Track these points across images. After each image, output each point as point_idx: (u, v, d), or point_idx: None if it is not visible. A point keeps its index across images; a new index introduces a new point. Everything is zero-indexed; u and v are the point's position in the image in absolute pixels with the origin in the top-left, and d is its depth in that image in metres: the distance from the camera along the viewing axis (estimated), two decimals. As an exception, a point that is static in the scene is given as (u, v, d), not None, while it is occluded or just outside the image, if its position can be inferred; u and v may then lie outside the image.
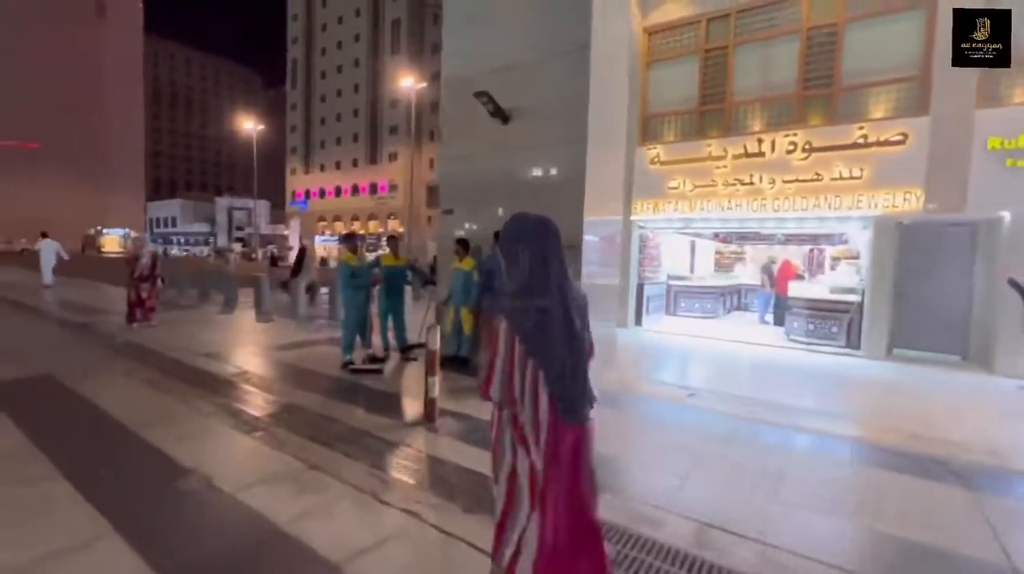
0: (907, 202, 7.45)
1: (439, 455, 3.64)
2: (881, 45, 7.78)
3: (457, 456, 3.61)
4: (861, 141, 7.71)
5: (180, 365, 5.91)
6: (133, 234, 64.04)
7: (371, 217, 59.28)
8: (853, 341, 8.26)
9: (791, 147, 8.24)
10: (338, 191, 61.73)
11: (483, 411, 4.40)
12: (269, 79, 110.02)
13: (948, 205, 7.22)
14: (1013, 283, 6.21)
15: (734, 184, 8.76)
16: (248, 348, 7.07)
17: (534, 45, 5.95)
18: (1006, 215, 6.99)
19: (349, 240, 6.17)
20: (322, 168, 63.46)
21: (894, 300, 7.88)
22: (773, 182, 8.40)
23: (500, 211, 6.26)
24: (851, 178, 7.81)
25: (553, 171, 5.91)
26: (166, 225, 73.99)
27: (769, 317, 11.71)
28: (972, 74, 7.11)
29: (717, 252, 16.19)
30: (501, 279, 1.97)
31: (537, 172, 6.03)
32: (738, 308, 14.18)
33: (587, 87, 5.60)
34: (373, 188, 58.90)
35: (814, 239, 12.23)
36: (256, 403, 4.66)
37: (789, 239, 11.95)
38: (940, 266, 7.90)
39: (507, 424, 1.91)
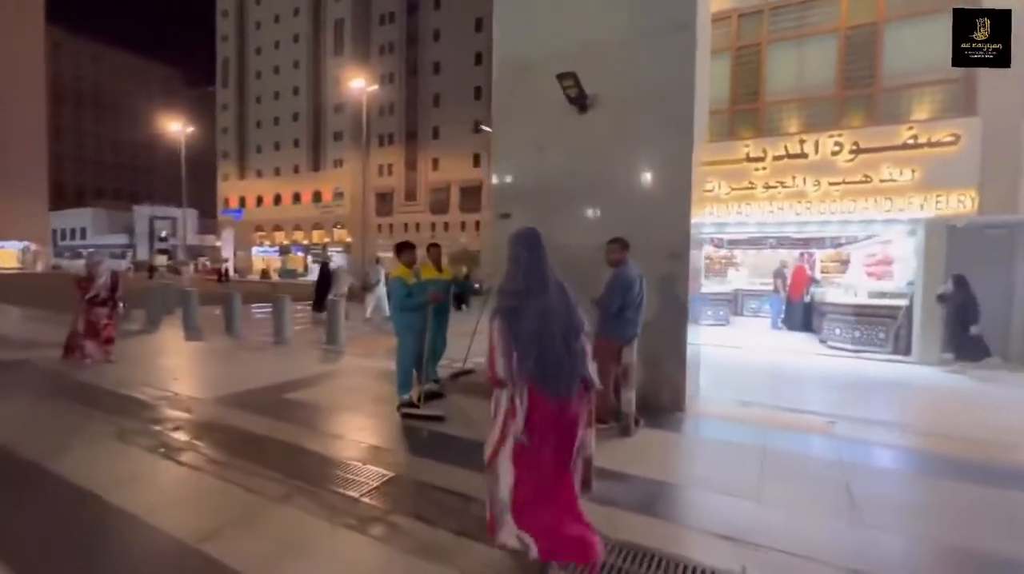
0: (961, 204, 7.31)
1: (656, 546, 2.62)
2: (923, 45, 7.66)
3: (675, 544, 2.64)
4: (911, 142, 7.53)
5: (194, 423, 4.47)
6: (34, 247, 56.50)
7: (316, 227, 55.93)
8: (901, 347, 8.05)
9: (836, 148, 7.95)
10: (277, 199, 57.75)
11: (640, 466, 3.46)
12: (191, 78, 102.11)
13: (1003, 207, 7.14)
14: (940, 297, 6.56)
15: (775, 186, 8.36)
16: (275, 389, 5.59)
17: (618, 23, 5.12)
18: (1057, 216, 6.99)
19: (406, 251, 4.98)
20: (259, 174, 59.17)
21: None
22: (818, 184, 8.06)
23: (590, 212, 5.36)
24: (897, 180, 7.60)
25: (647, 168, 5.09)
26: (74, 237, 66.00)
27: (781, 323, 11.52)
28: (1014, 79, 7.08)
29: (707, 257, 16.09)
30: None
31: (627, 168, 5.18)
32: (734, 313, 14.03)
33: (691, 71, 4.84)
34: (317, 196, 55.65)
35: (818, 242, 12.23)
36: (348, 478, 3.41)
37: (805, 242, 11.82)
38: (985, 269, 7.86)
39: (506, 401, 2.18)
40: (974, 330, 6.97)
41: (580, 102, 5.15)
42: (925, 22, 7.66)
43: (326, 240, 55.89)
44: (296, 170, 57.05)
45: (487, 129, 8.96)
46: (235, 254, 56.01)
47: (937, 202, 7.43)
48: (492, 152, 5.99)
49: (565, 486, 2.21)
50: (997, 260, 7.86)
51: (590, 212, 5.37)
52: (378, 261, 14.84)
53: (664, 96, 4.93)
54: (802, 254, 14.05)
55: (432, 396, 5.06)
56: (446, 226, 49.20)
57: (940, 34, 7.57)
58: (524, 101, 5.70)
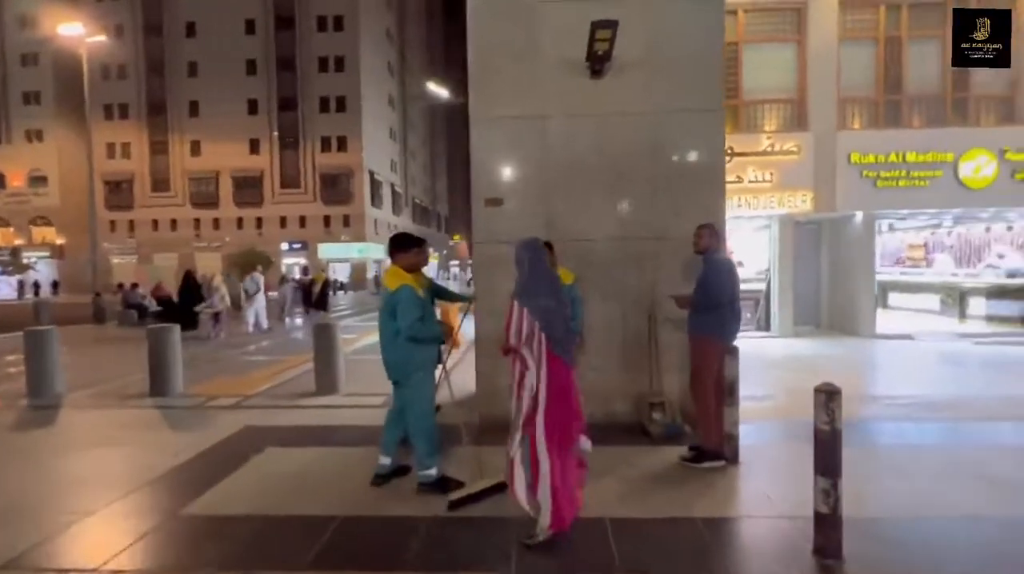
0: (804, 203, 8.88)
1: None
2: (770, 68, 9.05)
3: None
4: (769, 149, 8.81)
5: None
6: None
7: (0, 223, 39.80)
8: (762, 324, 9.45)
9: (717, 150, 8.80)
10: (-84, 182, 39.04)
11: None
12: None
13: (826, 206, 8.93)
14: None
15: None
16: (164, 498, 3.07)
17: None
18: (858, 214, 9.09)
19: (411, 249, 3.24)
20: None
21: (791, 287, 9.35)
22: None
23: (606, 198, 4.45)
24: (763, 182, 8.84)
25: (673, 147, 4.49)
26: None
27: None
28: (832, 102, 8.96)
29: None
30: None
31: (649, 147, 4.48)
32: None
33: (720, 40, 4.44)
34: (-2, 180, 39.59)
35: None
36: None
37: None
38: (804, 256, 9.77)
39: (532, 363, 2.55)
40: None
41: (601, 63, 4.24)
42: (772, 49, 9.04)
43: (17, 242, 40.39)
44: (-47, 141, 39.60)
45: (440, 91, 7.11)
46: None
47: (788, 201, 8.87)
48: (470, 117, 4.57)
49: (575, 454, 2.62)
50: (815, 248, 9.91)
51: (606, 198, 4.51)
52: (255, 268, 13.62)
53: (691, 66, 4.40)
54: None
55: (397, 473, 3.39)
56: (216, 223, 40.65)
57: (782, 59, 9.06)
58: (515, 52, 4.47)
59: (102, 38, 25.96)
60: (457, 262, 74.47)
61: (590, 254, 4.51)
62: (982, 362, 7.25)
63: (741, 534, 2.71)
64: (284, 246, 40.03)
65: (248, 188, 40.27)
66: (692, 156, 4.49)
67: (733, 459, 3.49)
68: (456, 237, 76.36)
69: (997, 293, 9.60)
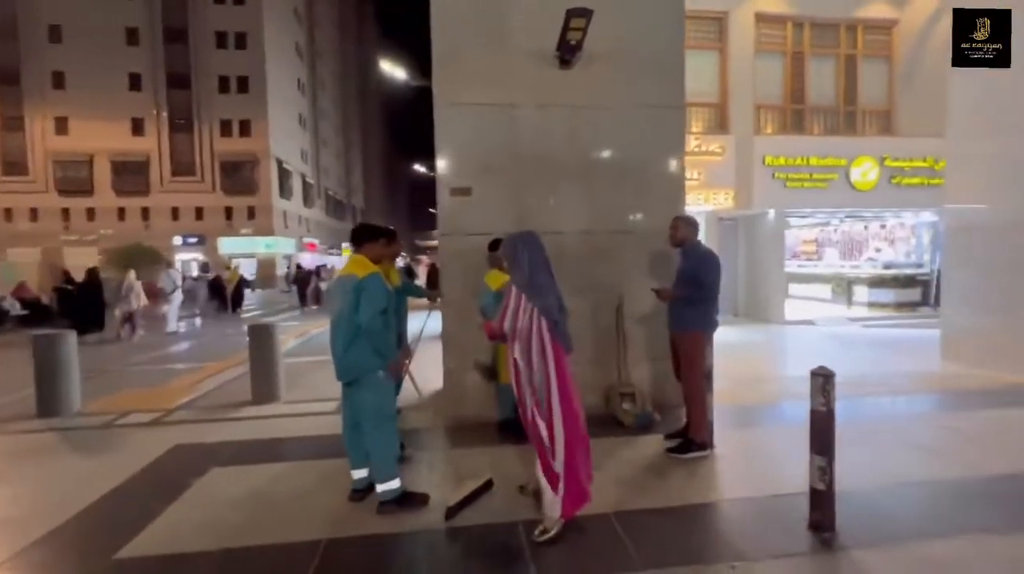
0: (727, 200, 9.57)
1: None
2: (697, 73, 9.60)
3: None
4: (697, 149, 9.36)
5: None
6: None
7: None
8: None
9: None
10: None
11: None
12: None
13: (745, 204, 9.70)
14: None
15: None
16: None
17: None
18: (771, 212, 9.97)
19: (376, 236, 3.07)
20: None
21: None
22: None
23: (574, 190, 4.39)
24: (692, 179, 9.38)
25: (639, 143, 4.55)
26: None
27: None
28: (749, 108, 9.73)
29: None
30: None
31: (617, 142, 4.51)
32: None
33: (682, 39, 4.57)
34: None
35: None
36: None
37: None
38: (724, 250, 10.55)
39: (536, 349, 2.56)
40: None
41: (573, 52, 4.17)
42: (698, 55, 9.58)
43: None
44: None
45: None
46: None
47: (713, 198, 9.51)
48: (435, 101, 4.29)
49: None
50: (733, 243, 10.73)
51: (574, 191, 4.48)
52: (170, 265, 12.90)
53: (655, 63, 4.50)
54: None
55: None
56: (90, 213, 35.47)
57: (707, 66, 9.65)
58: (484, 37, 4.27)
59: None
60: (374, 257, 71.80)
61: (560, 247, 4.42)
62: (871, 342, 8.29)
63: (739, 516, 2.80)
64: (177, 240, 35.90)
65: (131, 174, 35.48)
66: (656, 151, 4.59)
67: (709, 444, 3.63)
68: (372, 231, 73.45)
69: (876, 282, 11.07)
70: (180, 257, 35.39)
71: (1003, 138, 5.67)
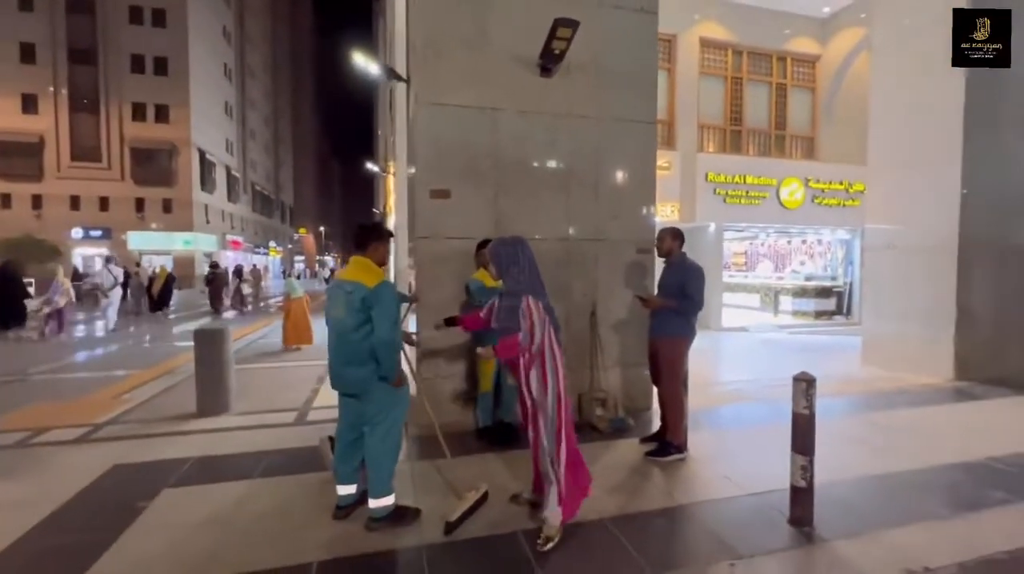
0: (672, 213, 10.07)
1: None
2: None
3: None
4: (647, 163, 9.77)
5: None
6: None
7: None
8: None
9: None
10: None
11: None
12: None
13: (689, 217, 10.26)
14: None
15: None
16: None
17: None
18: (712, 225, 10.62)
19: (385, 237, 2.90)
20: None
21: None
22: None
23: (553, 197, 4.40)
24: (641, 191, 9.79)
25: (613, 154, 4.68)
26: None
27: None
28: (693, 126, 10.33)
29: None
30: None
31: (593, 151, 4.60)
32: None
33: (655, 56, 4.76)
34: None
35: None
36: None
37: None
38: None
39: (550, 369, 2.58)
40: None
41: (555, 62, 4.21)
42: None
43: None
44: None
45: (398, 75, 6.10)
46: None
47: (661, 211, 9.96)
48: (412, 100, 4.15)
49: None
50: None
51: (553, 198, 4.51)
52: (110, 260, 11.99)
53: (630, 78, 4.66)
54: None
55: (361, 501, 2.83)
56: (-34, 199, 30.89)
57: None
58: (466, 39, 4.20)
59: None
60: (303, 257, 68.26)
61: (538, 254, 4.45)
62: (799, 347, 9.05)
63: (724, 515, 2.92)
64: (77, 233, 32.13)
65: (19, 157, 31.31)
66: (630, 163, 4.75)
67: (685, 447, 3.78)
68: (302, 230, 69.91)
69: (800, 292, 12.12)
70: (80, 251, 31.74)
71: (917, 167, 6.42)
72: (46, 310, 10.00)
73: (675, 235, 3.77)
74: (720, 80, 10.68)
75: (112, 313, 11.23)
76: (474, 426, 4.13)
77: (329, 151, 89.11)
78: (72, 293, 10.71)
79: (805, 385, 2.71)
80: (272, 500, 3.04)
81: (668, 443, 3.63)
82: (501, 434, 3.97)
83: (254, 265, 24.20)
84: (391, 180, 18.78)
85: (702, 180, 10.27)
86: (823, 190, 10.95)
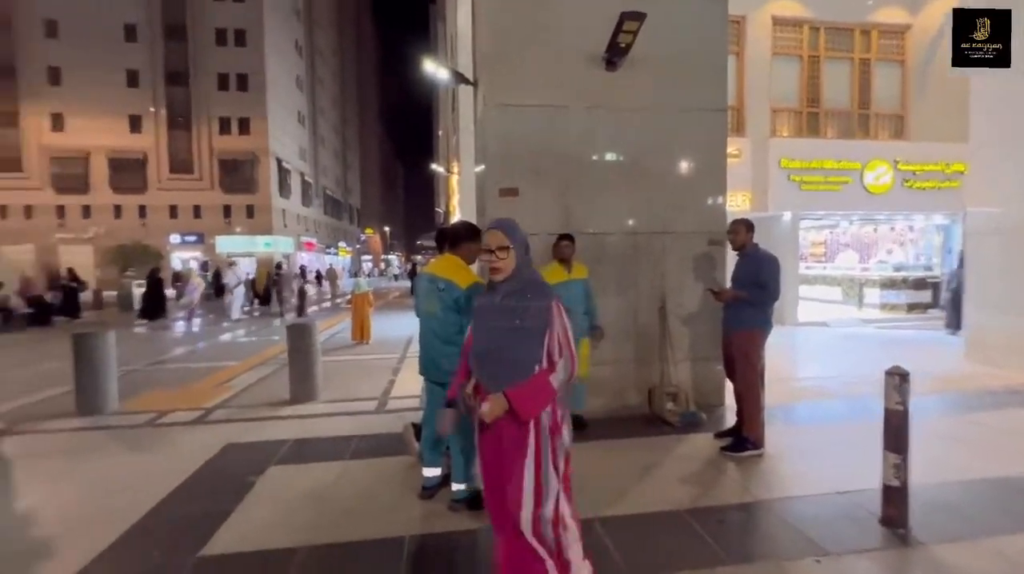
0: (743, 203, 9.65)
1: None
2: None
3: None
4: (714, 152, 9.42)
5: None
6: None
7: None
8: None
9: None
10: None
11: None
12: None
13: (761, 206, 9.79)
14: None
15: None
16: None
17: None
18: (786, 214, 10.07)
19: (478, 236, 2.84)
20: None
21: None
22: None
23: (618, 191, 4.42)
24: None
25: (682, 144, 4.61)
26: None
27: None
28: (765, 111, 9.82)
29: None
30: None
31: (660, 142, 4.55)
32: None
33: (725, 42, 4.63)
34: None
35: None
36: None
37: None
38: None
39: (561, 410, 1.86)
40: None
41: (621, 55, 4.22)
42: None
43: None
44: None
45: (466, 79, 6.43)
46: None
47: (731, 201, 9.57)
48: (480, 102, 4.32)
49: None
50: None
51: (619, 191, 4.52)
52: (233, 264, 14.66)
53: (698, 65, 4.55)
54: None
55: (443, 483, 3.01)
56: (86, 210, 35.10)
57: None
58: (532, 38, 4.30)
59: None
60: (370, 257, 71.51)
61: (604, 248, 4.51)
62: (888, 343, 8.39)
63: (806, 511, 2.84)
64: (175, 238, 35.62)
65: (128, 172, 35.17)
66: (698, 153, 4.65)
67: (762, 443, 3.68)
68: (369, 230, 73.23)
69: (888, 284, 11.20)
70: (178, 255, 35.14)
71: (1028, 143, 5.77)
72: (184, 301, 12.91)
73: (749, 227, 3.67)
74: (794, 60, 10.06)
75: (235, 306, 13.40)
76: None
77: (392, 153, 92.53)
78: (199, 291, 13.51)
79: (898, 379, 2.58)
80: (363, 480, 3.30)
81: (744, 438, 3.55)
82: (573, 428, 4.05)
83: (330, 266, 25.69)
84: (454, 180, 19.27)
85: (775, 167, 9.75)
86: (915, 172, 10.04)
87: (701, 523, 2.68)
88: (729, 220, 3.89)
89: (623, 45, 4.07)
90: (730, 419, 4.05)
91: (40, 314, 13.29)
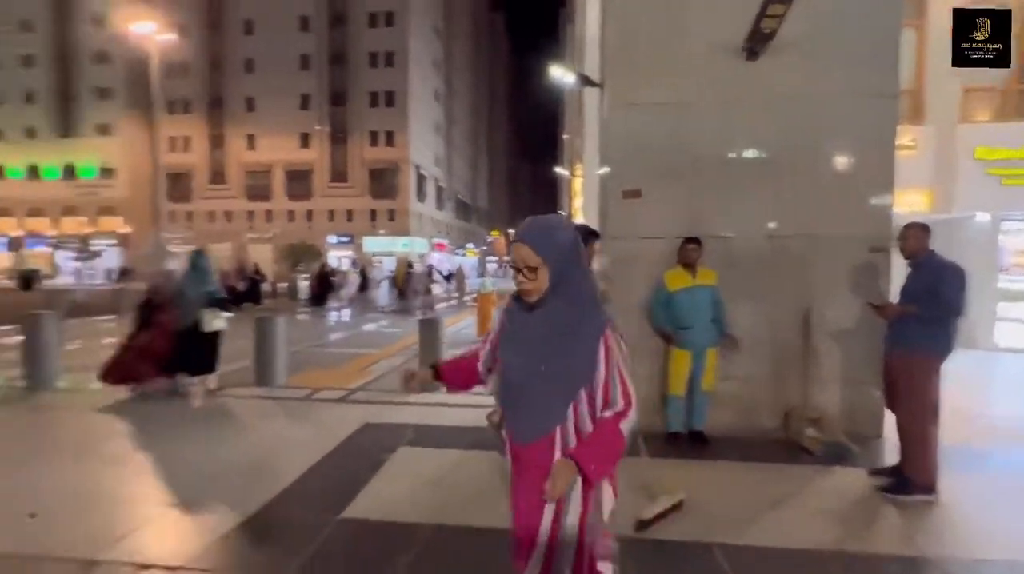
0: (921, 202, 8.19)
1: None
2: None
3: None
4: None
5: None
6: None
7: (68, 211, 42.25)
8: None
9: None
10: (-1, 172, 41.84)
11: None
12: None
13: (943, 206, 8.20)
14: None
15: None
16: None
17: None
18: (980, 215, 8.31)
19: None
20: (-37, 136, 41.96)
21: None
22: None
23: (757, 193, 4.07)
24: (872, 178, 8.18)
25: (838, 139, 4.07)
26: None
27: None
28: (955, 92, 8.21)
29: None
30: None
31: (810, 138, 4.08)
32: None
33: (899, 22, 4.00)
34: (70, 171, 41.99)
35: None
36: None
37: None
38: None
39: None
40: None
41: (763, 43, 3.86)
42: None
43: (88, 230, 42.64)
44: (31, 134, 42.10)
45: (592, 81, 6.80)
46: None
47: (903, 200, 8.17)
48: (602, 103, 4.29)
49: None
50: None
51: (755, 191, 4.13)
52: (379, 262, 16.62)
53: (862, 43, 3.97)
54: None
55: None
56: (268, 215, 41.95)
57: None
58: (659, 35, 4.14)
59: (171, 36, 26.86)
60: (495, 258, 74.67)
61: (735, 252, 4.15)
62: None
63: (991, 580, 2.33)
64: (332, 239, 40.91)
65: (299, 181, 41.33)
66: (859, 145, 4.05)
67: (935, 488, 3.08)
68: (494, 232, 76.49)
69: None
70: (333, 254, 40.28)
71: None
72: (343, 294, 16.94)
73: (925, 231, 3.10)
74: (998, 27, 8.24)
75: (383, 296, 17.37)
76: (663, 429, 4.04)
77: (519, 156, 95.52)
78: (355, 284, 17.77)
79: None
80: (480, 469, 3.47)
81: (908, 479, 3.01)
82: (693, 443, 3.83)
83: (459, 266, 27.47)
84: (577, 183, 19.27)
85: (966, 158, 8.09)
86: None
87: (847, 569, 2.34)
88: (896, 223, 3.33)
89: (767, 31, 3.71)
90: (888, 455, 3.47)
91: (233, 301, 16.25)
